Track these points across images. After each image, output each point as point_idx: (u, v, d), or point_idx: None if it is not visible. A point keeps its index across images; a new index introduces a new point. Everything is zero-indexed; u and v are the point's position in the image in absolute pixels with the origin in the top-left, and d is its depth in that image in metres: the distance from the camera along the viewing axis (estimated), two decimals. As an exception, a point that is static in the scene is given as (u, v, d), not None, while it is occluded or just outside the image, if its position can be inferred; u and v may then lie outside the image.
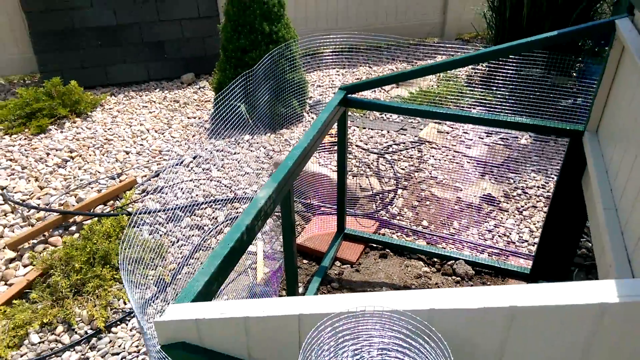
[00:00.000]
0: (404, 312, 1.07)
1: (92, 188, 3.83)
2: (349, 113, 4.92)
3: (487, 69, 5.16)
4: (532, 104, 3.82)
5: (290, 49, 4.49)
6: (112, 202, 3.66)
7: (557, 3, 4.79)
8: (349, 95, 2.77)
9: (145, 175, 4.00)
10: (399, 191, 3.76)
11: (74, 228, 3.42)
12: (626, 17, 2.19)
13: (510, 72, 3.67)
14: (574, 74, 5.04)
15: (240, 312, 1.21)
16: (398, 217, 3.53)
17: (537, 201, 3.66)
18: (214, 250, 1.70)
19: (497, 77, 3.86)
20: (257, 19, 4.46)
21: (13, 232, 3.41)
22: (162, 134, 4.68)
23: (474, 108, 4.73)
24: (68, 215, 3.43)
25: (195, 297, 1.42)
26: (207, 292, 1.50)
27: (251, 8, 4.44)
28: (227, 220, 3.47)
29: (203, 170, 4.01)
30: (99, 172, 4.04)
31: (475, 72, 5.64)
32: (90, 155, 4.30)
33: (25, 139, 4.55)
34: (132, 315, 2.85)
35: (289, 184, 2.31)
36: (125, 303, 2.93)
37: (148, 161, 4.20)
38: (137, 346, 2.69)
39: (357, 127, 4.66)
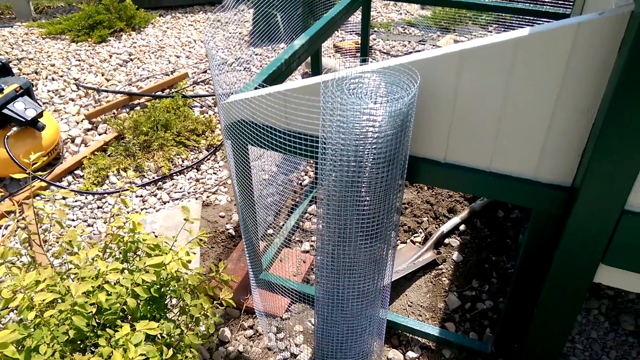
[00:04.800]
0: (393, 66, 1.62)
1: (150, 81, 4.47)
2: (374, 29, 5.38)
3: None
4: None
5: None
6: (167, 90, 4.29)
7: None
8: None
9: (195, 72, 4.61)
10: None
11: (138, 108, 4.07)
12: None
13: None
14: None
15: (281, 87, 1.76)
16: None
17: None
18: (261, 70, 2.29)
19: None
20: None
21: (87, 110, 4.08)
22: (208, 43, 5.26)
23: (490, 25, 5.13)
24: (133, 97, 4.08)
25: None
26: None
27: None
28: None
29: (244, 69, 4.59)
30: (154, 70, 4.67)
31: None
32: (146, 58, 4.92)
33: (89, 46, 5.19)
34: (189, 169, 3.50)
35: (318, 44, 2.86)
36: (183, 161, 3.58)
37: (196, 62, 4.81)
38: (193, 189, 3.35)
39: (382, 39, 5.13)
